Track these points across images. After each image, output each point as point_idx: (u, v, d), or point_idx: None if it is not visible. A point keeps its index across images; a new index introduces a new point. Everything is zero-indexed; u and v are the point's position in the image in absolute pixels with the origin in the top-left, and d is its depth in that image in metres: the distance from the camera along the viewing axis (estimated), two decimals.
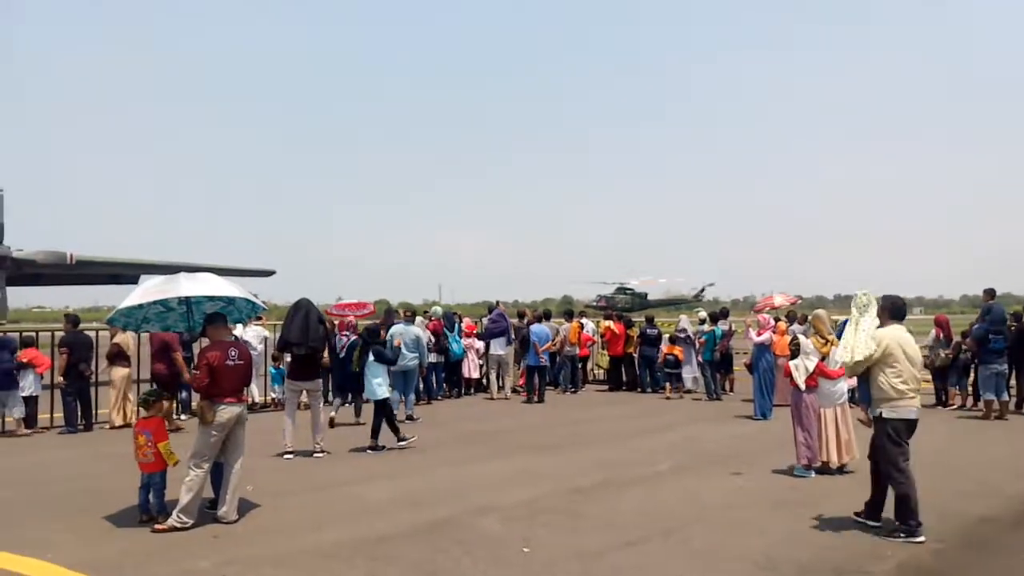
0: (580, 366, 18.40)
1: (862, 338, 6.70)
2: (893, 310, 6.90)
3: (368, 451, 10.27)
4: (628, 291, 74.86)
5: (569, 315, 18.54)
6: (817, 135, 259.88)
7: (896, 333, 6.66)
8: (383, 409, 10.52)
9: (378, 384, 10.61)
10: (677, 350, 16.86)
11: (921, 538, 6.25)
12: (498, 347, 16.44)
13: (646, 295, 75.79)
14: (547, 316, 18.15)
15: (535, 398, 15.96)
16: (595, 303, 72.77)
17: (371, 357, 10.73)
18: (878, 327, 6.74)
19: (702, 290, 76.38)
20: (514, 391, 17.13)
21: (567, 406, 15.48)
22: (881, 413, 6.59)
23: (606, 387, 18.36)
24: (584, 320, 19.25)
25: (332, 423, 11.83)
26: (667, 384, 16.75)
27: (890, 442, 6.54)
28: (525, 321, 17.55)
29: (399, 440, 10.46)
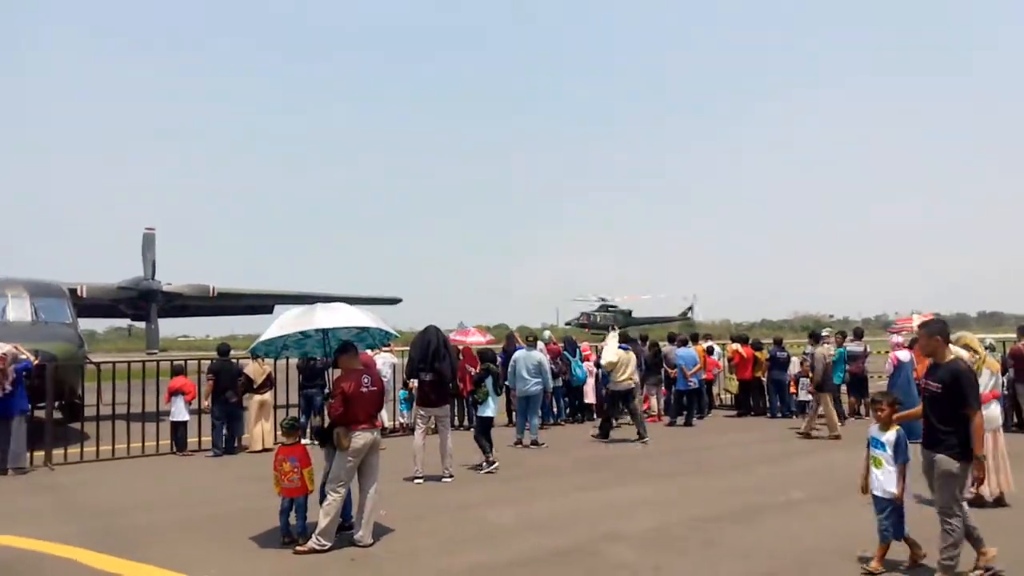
0: (706, 390, 17.98)
1: (609, 351, 13.71)
2: (623, 338, 14.63)
3: (483, 468, 10.70)
4: (612, 308, 72.12)
5: (695, 338, 18.26)
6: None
7: (623, 352, 13.68)
8: (484, 426, 11.03)
9: (486, 404, 11.16)
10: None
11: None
12: None
13: (631, 312, 72.88)
14: (689, 341, 17.77)
15: (681, 422, 15.92)
16: (576, 321, 70.43)
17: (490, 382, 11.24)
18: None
19: (690, 308, 72.87)
20: None
21: (694, 432, 15.15)
22: (609, 386, 13.87)
23: (734, 412, 17.85)
24: (710, 343, 18.83)
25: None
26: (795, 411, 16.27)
27: (608, 401, 14.13)
28: (647, 344, 17.35)
29: (486, 462, 10.81)
